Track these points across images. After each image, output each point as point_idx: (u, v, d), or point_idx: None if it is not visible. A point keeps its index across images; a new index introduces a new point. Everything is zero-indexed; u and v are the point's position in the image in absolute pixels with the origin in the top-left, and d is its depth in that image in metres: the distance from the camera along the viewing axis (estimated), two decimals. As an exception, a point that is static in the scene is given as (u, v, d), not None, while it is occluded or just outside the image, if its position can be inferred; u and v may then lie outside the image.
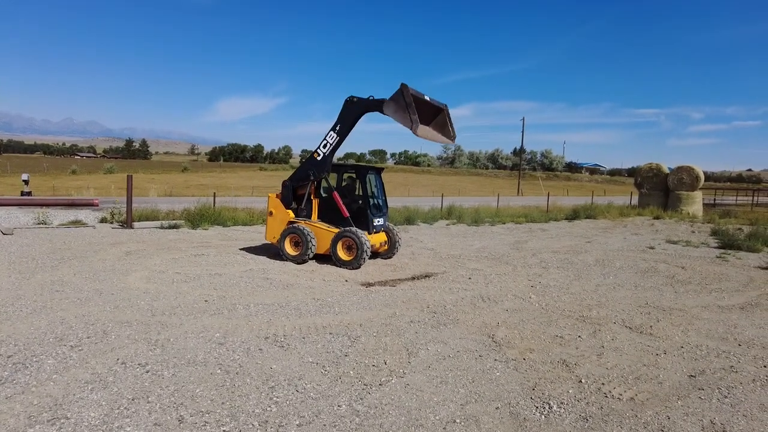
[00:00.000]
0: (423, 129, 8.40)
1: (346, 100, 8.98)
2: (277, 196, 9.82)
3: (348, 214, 9.23)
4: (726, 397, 4.17)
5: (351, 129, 9.12)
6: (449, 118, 9.12)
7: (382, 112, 8.66)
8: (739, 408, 3.98)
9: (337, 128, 9.07)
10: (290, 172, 10.25)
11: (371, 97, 8.75)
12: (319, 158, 9.23)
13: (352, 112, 8.97)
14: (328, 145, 9.12)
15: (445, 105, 9.16)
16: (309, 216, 9.64)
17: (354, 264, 8.85)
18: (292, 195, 9.60)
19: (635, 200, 27.34)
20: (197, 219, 13.88)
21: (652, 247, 12.72)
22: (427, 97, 8.62)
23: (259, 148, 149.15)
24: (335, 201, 9.27)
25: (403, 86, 8.13)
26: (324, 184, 9.77)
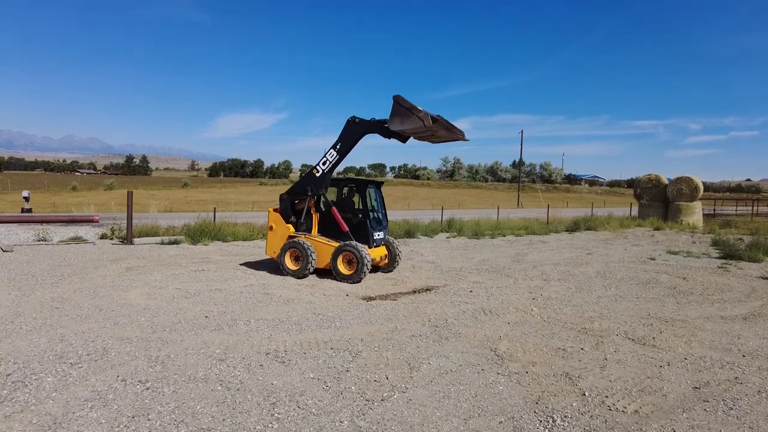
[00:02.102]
0: (439, 122, 8.32)
1: (348, 121, 9.03)
2: (275, 210, 9.85)
3: (347, 229, 9.25)
4: (731, 409, 4.14)
5: (351, 149, 9.17)
6: (448, 122, 9.11)
7: (386, 134, 8.75)
8: (745, 420, 3.95)
9: (338, 147, 9.12)
10: (290, 187, 10.31)
11: (373, 119, 8.83)
12: (318, 174, 9.29)
13: (353, 133, 9.02)
14: (328, 162, 9.18)
15: (439, 115, 9.24)
16: (309, 230, 9.65)
17: (354, 278, 8.83)
18: (290, 208, 9.63)
19: (635, 211, 27.36)
20: (197, 234, 13.87)
21: (653, 258, 12.70)
22: (419, 108, 8.70)
23: (259, 163, 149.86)
24: (334, 216, 9.30)
25: (396, 97, 8.23)
26: (323, 198, 9.82)
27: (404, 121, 8.27)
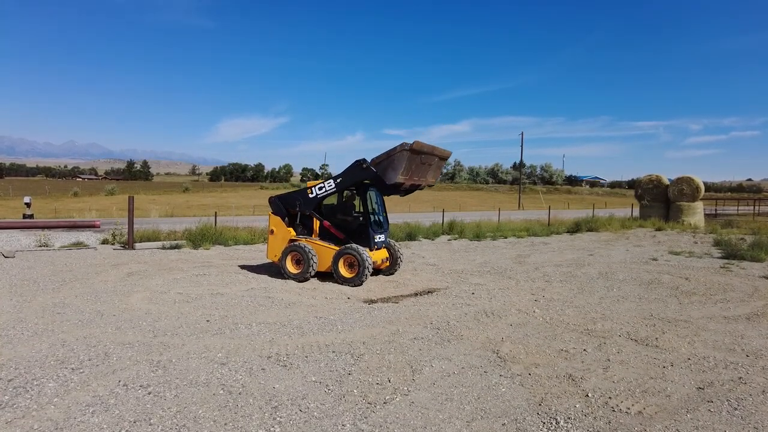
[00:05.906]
0: (417, 142, 8.64)
1: (356, 162, 9.09)
2: (276, 213, 9.91)
3: (343, 237, 9.33)
4: (736, 409, 4.11)
5: (349, 187, 9.41)
6: (426, 147, 9.17)
7: (385, 190, 9.22)
8: (750, 420, 3.92)
9: (338, 181, 9.25)
10: (290, 191, 10.42)
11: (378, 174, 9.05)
12: (311, 196, 9.48)
13: (357, 175, 9.11)
14: (324, 190, 9.36)
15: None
16: (310, 234, 9.67)
17: (356, 281, 8.82)
18: (284, 210, 9.77)
19: (636, 212, 27.32)
20: (198, 239, 13.87)
21: (655, 259, 12.67)
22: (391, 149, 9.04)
23: (259, 168, 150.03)
24: (334, 222, 9.49)
25: (366, 164, 8.84)
26: (324, 202, 9.93)
27: (395, 166, 8.61)
